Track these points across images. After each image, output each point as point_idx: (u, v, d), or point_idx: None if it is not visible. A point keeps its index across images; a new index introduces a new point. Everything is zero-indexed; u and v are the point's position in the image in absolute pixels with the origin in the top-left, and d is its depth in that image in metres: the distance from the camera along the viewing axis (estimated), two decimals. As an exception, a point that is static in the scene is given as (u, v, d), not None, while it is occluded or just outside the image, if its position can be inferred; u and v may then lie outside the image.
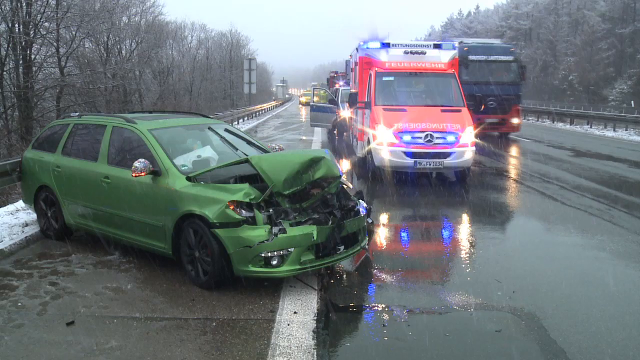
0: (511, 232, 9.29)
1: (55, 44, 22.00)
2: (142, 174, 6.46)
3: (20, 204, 9.59)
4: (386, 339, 5.04)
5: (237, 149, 7.54)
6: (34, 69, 20.87)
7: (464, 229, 9.31)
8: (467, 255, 7.68)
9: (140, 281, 6.42)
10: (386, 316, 5.50)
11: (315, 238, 5.92)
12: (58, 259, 7.25)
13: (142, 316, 5.41)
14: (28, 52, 20.30)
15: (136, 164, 6.46)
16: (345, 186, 7.09)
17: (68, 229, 8.01)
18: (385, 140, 12.84)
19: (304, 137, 24.73)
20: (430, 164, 12.73)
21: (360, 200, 7.12)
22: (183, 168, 6.67)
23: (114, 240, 7.33)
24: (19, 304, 5.77)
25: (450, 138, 12.74)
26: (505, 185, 13.61)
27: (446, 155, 12.69)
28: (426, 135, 12.65)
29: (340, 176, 6.74)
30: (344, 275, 6.79)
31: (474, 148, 13.09)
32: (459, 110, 13.43)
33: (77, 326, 5.22)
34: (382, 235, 8.75)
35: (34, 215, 8.71)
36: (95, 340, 4.89)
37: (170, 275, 6.54)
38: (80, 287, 6.21)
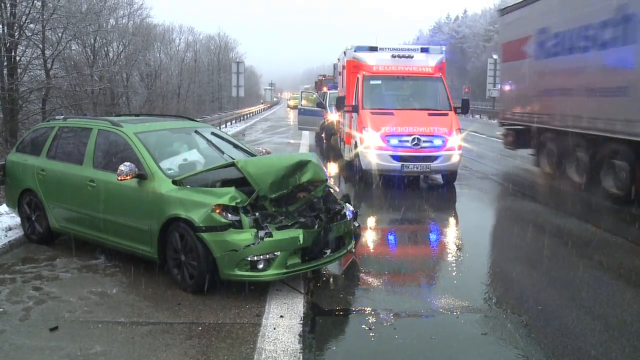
0: (498, 236, 9.35)
1: (40, 45, 21.82)
2: (128, 177, 6.43)
3: (3, 207, 9.48)
4: (372, 342, 5.05)
5: (223, 153, 7.54)
6: (19, 71, 20.68)
7: (451, 233, 9.35)
8: (454, 258, 7.71)
9: (125, 285, 6.39)
10: (372, 319, 5.51)
11: (301, 242, 5.92)
12: (42, 264, 7.19)
13: (127, 321, 5.37)
14: (13, 53, 20.08)
15: (122, 167, 6.44)
16: (332, 190, 7.09)
17: (53, 233, 7.96)
18: (373, 144, 12.87)
19: (291, 141, 24.74)
20: (417, 168, 12.77)
21: (347, 204, 7.13)
22: (169, 172, 6.65)
23: (100, 244, 7.29)
24: (1, 309, 5.71)
25: (437, 142, 12.79)
26: (492, 188, 13.68)
27: (433, 158, 12.74)
28: (413, 139, 12.69)
29: (327, 180, 6.76)
30: (331, 279, 6.79)
31: (461, 151, 13.15)
32: (446, 114, 13.49)
33: (61, 331, 5.18)
34: (369, 239, 8.75)
35: (17, 219, 8.64)
36: (79, 346, 4.85)
37: (156, 279, 6.50)
38: (65, 292, 6.17)
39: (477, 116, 48.56)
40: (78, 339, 4.99)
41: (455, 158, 12.94)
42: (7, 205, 8.93)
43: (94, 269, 6.97)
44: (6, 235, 8.23)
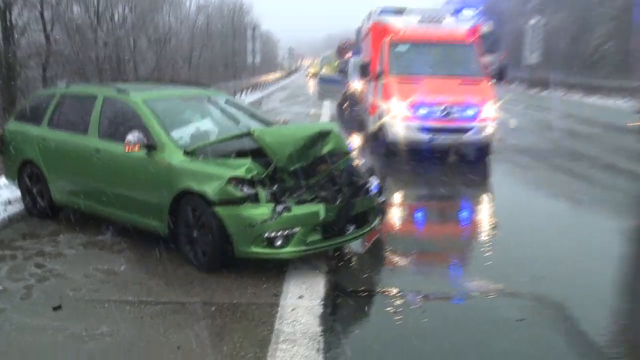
0: (536, 214, 9.23)
1: (39, 6, 21.76)
2: (136, 147, 6.46)
3: (2, 180, 9.53)
4: (398, 326, 5.06)
5: (239, 122, 7.54)
6: (15, 35, 20.68)
7: (484, 210, 9.30)
8: (487, 237, 7.67)
9: (134, 262, 6.45)
10: (399, 302, 5.52)
11: (322, 217, 5.91)
12: (44, 239, 7.28)
13: (136, 300, 5.43)
14: (8, 15, 20.04)
15: (129, 137, 6.47)
16: (355, 162, 7.08)
17: (55, 207, 8.03)
18: (399, 114, 12.80)
19: (311, 111, 24.67)
20: (447, 140, 12.68)
21: (372, 178, 7.11)
22: (180, 142, 6.66)
23: (106, 218, 7.36)
24: (1, 287, 5.79)
25: (470, 112, 12.68)
26: (529, 163, 13.55)
27: (465, 130, 12.63)
28: (443, 109, 12.58)
29: (350, 152, 6.74)
30: (354, 258, 6.81)
31: (495, 123, 13.02)
32: (480, 82, 13.35)
33: (65, 311, 5.24)
34: (395, 215, 8.76)
35: (17, 193, 8.69)
36: (84, 326, 4.91)
37: (167, 256, 6.55)
38: (69, 269, 6.24)
39: (514, 85, 47.98)
40: (83, 319, 5.06)
41: (489, 130, 12.81)
42: (6, 178, 8.99)
43: (100, 245, 7.04)
44: (5, 210, 8.31)
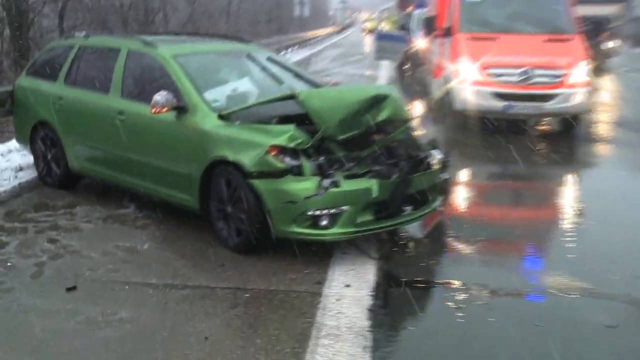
0: (633, 201, 8.97)
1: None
2: (164, 109, 6.51)
3: (13, 143, 9.76)
4: (460, 324, 5.02)
5: (282, 83, 7.55)
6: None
7: (569, 193, 9.16)
8: (571, 226, 7.53)
9: (159, 240, 6.56)
10: (462, 296, 5.48)
11: (375, 195, 5.90)
12: (59, 212, 7.44)
13: (160, 283, 5.53)
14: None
15: (157, 97, 6.51)
16: (415, 132, 7.03)
17: (72, 176, 8.18)
18: (470, 78, 12.61)
19: (367, 72, 24.56)
20: (526, 109, 12.44)
21: (434, 151, 7.05)
22: (214, 104, 6.71)
23: (129, 190, 7.50)
24: (9, 264, 5.95)
25: (556, 76, 12.41)
26: (628, 139, 13.21)
27: (549, 97, 12.35)
28: (523, 72, 12.33)
29: (410, 120, 6.68)
30: (410, 243, 6.79)
31: (588, 89, 12.70)
32: (570, 40, 13.04)
33: (80, 292, 5.36)
34: (461, 195, 8.70)
35: (30, 158, 8.87)
36: (101, 310, 5.01)
37: (196, 234, 6.65)
38: (85, 246, 6.37)
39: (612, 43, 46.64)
40: (100, 302, 5.16)
41: (579, 98, 12.48)
42: (17, 141, 9.16)
43: (121, 219, 7.18)
44: (16, 177, 8.48)
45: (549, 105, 12.40)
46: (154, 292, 5.36)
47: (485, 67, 12.53)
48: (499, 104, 12.42)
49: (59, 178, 8.26)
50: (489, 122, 13.11)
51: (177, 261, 6.02)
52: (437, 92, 14.93)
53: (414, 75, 21.07)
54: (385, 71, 24.61)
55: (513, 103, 12.38)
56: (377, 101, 6.29)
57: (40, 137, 8.40)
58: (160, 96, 6.52)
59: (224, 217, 6.31)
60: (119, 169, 7.38)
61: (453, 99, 13.06)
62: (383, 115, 6.31)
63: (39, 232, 6.79)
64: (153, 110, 6.53)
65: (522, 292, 5.67)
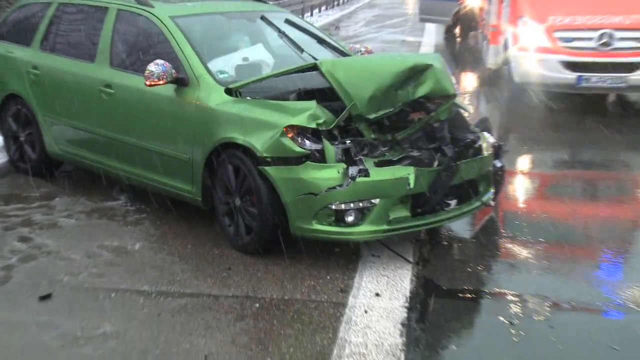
0: None
1: None
2: (161, 82, 6.51)
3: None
4: (515, 344, 5.01)
5: (302, 51, 7.54)
6: None
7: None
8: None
9: (154, 239, 6.61)
10: (516, 309, 5.47)
11: (412, 185, 5.87)
12: (34, 204, 7.50)
13: (154, 290, 5.56)
14: None
15: (152, 67, 6.51)
16: (463, 111, 7.01)
17: (51, 161, 8.23)
18: (533, 43, 12.57)
19: (408, 38, 24.47)
20: (605, 82, 12.32)
21: (486, 133, 7.03)
22: (221, 76, 6.75)
23: (118, 179, 7.55)
24: (-31, 268, 6.01)
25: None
26: None
27: (635, 67, 12.26)
28: (601, 36, 12.24)
29: (457, 95, 6.64)
30: (455, 245, 6.81)
31: None
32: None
33: (56, 301, 5.38)
34: (518, 187, 8.70)
35: (-1, 140, 8.94)
36: (80, 323, 5.02)
37: (198, 232, 6.70)
38: (65, 246, 6.42)
39: None
40: (80, 314, 5.19)
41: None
42: None
43: (109, 213, 7.24)
44: (-20, 162, 8.54)
45: (634, 77, 12.28)
46: (145, 301, 5.39)
47: (553, 30, 12.45)
48: (570, 76, 12.33)
49: (34, 164, 8.30)
50: (557, 98, 13.04)
51: (174, 264, 6.06)
52: (492, 62, 14.87)
53: (465, 41, 20.97)
54: (430, 37, 24.51)
55: (588, 74, 12.27)
56: (417, 73, 6.25)
57: (11, 114, 8.43)
58: (156, 66, 6.51)
59: (231, 212, 6.35)
60: (107, 154, 7.43)
61: (512, 69, 13.01)
62: (424, 90, 6.27)
63: (8, 229, 6.84)
64: (147, 83, 6.52)
65: (593, 307, 5.63)
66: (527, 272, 6.24)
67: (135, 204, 7.46)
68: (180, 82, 6.64)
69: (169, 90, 6.67)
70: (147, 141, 6.97)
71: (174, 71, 6.58)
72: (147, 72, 6.51)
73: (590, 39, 12.30)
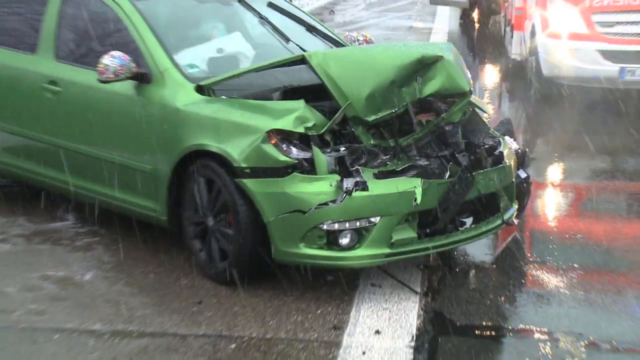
0: None
1: None
2: (118, 78, 6.49)
3: None
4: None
5: (288, 40, 7.56)
6: None
7: None
8: None
9: (108, 268, 6.59)
10: (546, 350, 5.48)
11: (419, 201, 5.86)
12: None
13: (107, 329, 5.53)
14: None
15: (106, 60, 6.47)
16: (480, 111, 7.04)
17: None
18: (567, 29, 12.63)
19: (416, 24, 24.52)
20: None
21: (508, 138, 7.06)
22: (191, 71, 6.77)
23: (66, 195, 7.52)
24: None
25: None
26: None
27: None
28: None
29: (472, 92, 6.67)
30: (470, 272, 6.85)
31: None
32: None
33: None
34: (546, 202, 8.76)
35: None
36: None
37: (163, 258, 6.71)
38: (-3, 276, 6.44)
39: None
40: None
41: None
42: None
43: (53, 237, 7.22)
44: None
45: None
46: (97, 343, 5.36)
47: (590, 13, 12.51)
48: (612, 68, 12.39)
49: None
50: (595, 95, 13.09)
51: (133, 297, 6.05)
52: (517, 52, 14.92)
53: (484, 27, 21.08)
54: (442, 22, 24.54)
55: (633, 66, 12.35)
56: (426, 66, 6.25)
57: None
58: (111, 59, 6.48)
59: (203, 234, 6.35)
60: (51, 165, 7.38)
61: (541, 61, 13.07)
62: (433, 87, 6.28)
63: None
64: (101, 79, 6.49)
65: (639, 347, 5.66)
66: (559, 305, 6.26)
67: (86, 225, 7.45)
68: (142, 78, 6.64)
69: (127, 88, 6.69)
70: (100, 149, 6.96)
71: (133, 65, 6.56)
72: (100, 66, 6.46)
73: (636, 23, 12.38)
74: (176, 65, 6.70)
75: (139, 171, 6.69)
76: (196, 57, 7.03)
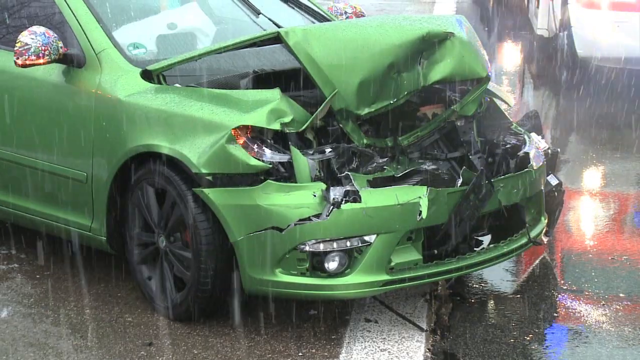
0: None
1: None
2: (41, 60, 6.50)
3: None
4: None
5: (258, 13, 7.62)
6: None
7: None
8: None
9: (31, 302, 6.63)
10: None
11: (424, 215, 5.92)
12: None
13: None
14: None
15: (26, 38, 6.47)
16: (500, 102, 7.16)
17: None
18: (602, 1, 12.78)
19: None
20: None
21: (535, 135, 7.15)
22: (135, 52, 6.84)
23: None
24: None
25: None
26: None
27: None
28: None
29: (489, 78, 6.77)
30: (489, 303, 6.94)
31: None
32: None
33: None
34: (583, 216, 8.86)
35: None
36: None
37: (102, 289, 6.75)
38: None
39: None
40: None
41: None
42: None
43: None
44: None
45: None
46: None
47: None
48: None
49: None
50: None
51: (63, 340, 6.05)
52: (544, 26, 14.99)
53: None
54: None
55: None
56: (431, 46, 6.35)
57: None
58: (32, 36, 6.48)
59: (152, 258, 6.41)
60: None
61: (575, 37, 13.16)
62: (441, 72, 6.39)
63: None
64: (20, 62, 6.50)
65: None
66: (600, 344, 6.32)
67: (1, 248, 7.51)
68: (72, 60, 6.68)
69: (53, 73, 6.75)
70: (19, 151, 7.01)
71: (61, 44, 6.60)
72: (18, 45, 6.48)
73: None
74: (116, 44, 6.75)
75: (69, 179, 6.70)
76: (141, 35, 7.09)
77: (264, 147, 5.95)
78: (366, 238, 5.89)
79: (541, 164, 6.90)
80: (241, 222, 5.89)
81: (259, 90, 6.36)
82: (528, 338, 6.40)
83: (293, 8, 8.01)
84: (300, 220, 5.80)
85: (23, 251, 7.42)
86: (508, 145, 6.69)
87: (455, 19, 6.72)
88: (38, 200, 7.00)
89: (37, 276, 7.06)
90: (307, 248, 5.85)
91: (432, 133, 6.46)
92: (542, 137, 7.20)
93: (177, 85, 6.50)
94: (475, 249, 6.41)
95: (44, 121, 6.90)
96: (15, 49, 6.47)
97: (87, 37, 6.74)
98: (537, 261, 7.46)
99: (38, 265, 7.22)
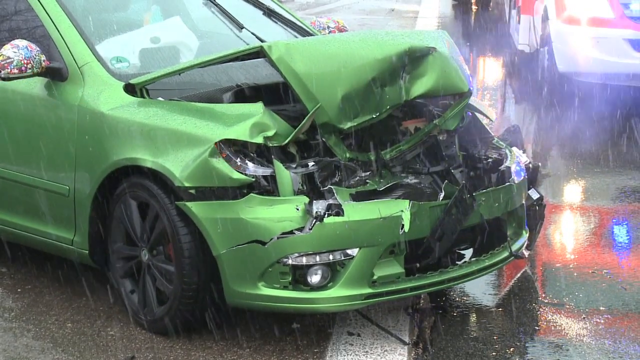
0: None
1: None
2: (23, 73, 6.50)
3: None
4: None
5: (241, 27, 7.63)
6: None
7: None
8: None
9: (12, 316, 6.60)
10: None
11: (407, 229, 5.92)
12: None
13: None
14: None
15: (8, 51, 6.48)
16: (481, 117, 7.15)
17: None
18: (588, 13, 12.78)
19: (399, 6, 24.56)
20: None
21: (516, 150, 7.15)
22: (118, 65, 6.83)
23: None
24: None
25: None
26: None
27: None
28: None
29: (471, 93, 6.78)
30: (471, 316, 6.94)
31: None
32: None
33: None
34: (564, 230, 8.86)
35: None
36: None
37: (84, 303, 6.73)
38: None
39: None
40: None
41: None
42: None
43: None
44: None
45: None
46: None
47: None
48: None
49: None
50: (623, 95, 13.17)
51: (45, 354, 6.03)
52: (525, 42, 15.03)
53: (484, 10, 21.27)
54: (431, 4, 24.58)
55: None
56: (414, 60, 6.36)
57: None
58: (15, 49, 6.48)
59: (135, 271, 6.38)
60: None
61: (555, 53, 13.18)
62: (423, 87, 6.39)
63: None
64: (2, 75, 6.50)
65: None
66: (580, 357, 6.31)
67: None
68: (55, 74, 6.68)
69: (36, 86, 6.74)
70: (1, 164, 7.01)
71: (43, 58, 6.59)
72: (0, 58, 6.48)
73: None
74: (99, 58, 6.74)
75: (52, 193, 6.70)
76: (125, 48, 7.07)
77: (246, 161, 5.95)
78: (349, 251, 5.88)
79: (522, 178, 6.94)
80: (224, 236, 5.88)
81: (242, 104, 6.37)
82: (510, 351, 6.39)
83: (276, 22, 8.02)
84: (283, 233, 5.78)
85: (4, 265, 7.38)
86: (490, 160, 6.71)
87: (437, 34, 6.75)
88: (20, 214, 6.98)
89: (19, 290, 7.03)
90: (289, 261, 5.83)
91: (415, 147, 6.46)
92: (524, 152, 7.23)
93: (160, 99, 6.48)
94: (457, 262, 6.40)
95: (26, 134, 6.89)
96: (0, 61, 6.44)
97: (69, 51, 6.74)
98: (518, 275, 7.49)
99: (19, 278, 7.18)
